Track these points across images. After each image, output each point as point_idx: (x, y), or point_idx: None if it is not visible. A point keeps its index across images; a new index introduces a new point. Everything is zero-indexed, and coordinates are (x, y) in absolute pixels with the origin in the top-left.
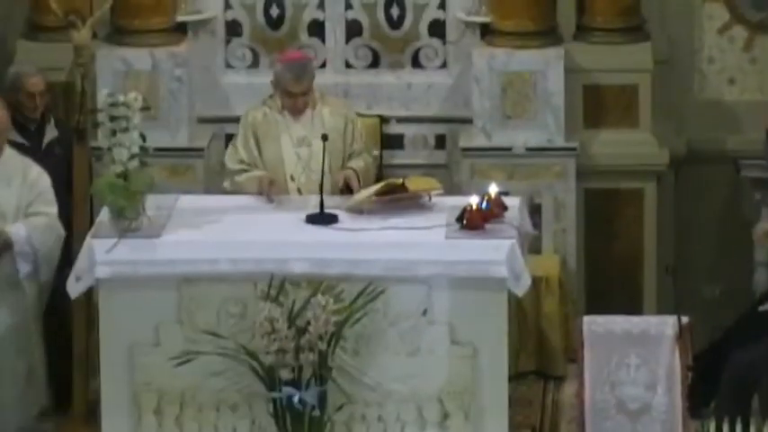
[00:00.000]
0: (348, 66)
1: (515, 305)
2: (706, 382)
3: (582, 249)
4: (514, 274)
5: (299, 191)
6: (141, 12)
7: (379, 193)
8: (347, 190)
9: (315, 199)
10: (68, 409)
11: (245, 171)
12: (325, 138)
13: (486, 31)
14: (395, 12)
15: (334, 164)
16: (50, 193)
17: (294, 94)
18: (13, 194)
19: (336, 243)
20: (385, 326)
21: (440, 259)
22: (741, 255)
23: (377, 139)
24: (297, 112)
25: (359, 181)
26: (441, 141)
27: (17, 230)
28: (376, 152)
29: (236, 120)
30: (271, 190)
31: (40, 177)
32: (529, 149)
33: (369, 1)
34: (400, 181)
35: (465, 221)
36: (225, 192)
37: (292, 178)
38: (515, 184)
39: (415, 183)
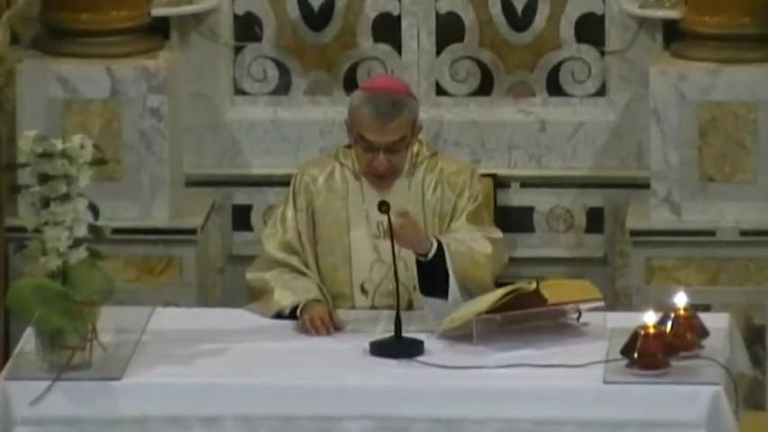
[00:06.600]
0: (440, 92)
1: None
2: None
3: None
4: None
5: (374, 308)
6: (93, 1)
7: (498, 308)
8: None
9: (388, 316)
10: None
11: (294, 270)
12: (382, 207)
13: (673, 35)
14: (518, 1)
15: None
16: None
17: (372, 146)
18: None
19: (420, 390)
20: None
21: (596, 418)
22: None
23: (488, 212)
24: (376, 177)
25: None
26: (595, 219)
27: None
28: (498, 234)
29: (250, 182)
30: (329, 329)
31: None
32: (744, 234)
33: None
34: (533, 286)
35: (637, 354)
36: (233, 303)
37: (363, 289)
38: (721, 292)
39: (555, 289)
